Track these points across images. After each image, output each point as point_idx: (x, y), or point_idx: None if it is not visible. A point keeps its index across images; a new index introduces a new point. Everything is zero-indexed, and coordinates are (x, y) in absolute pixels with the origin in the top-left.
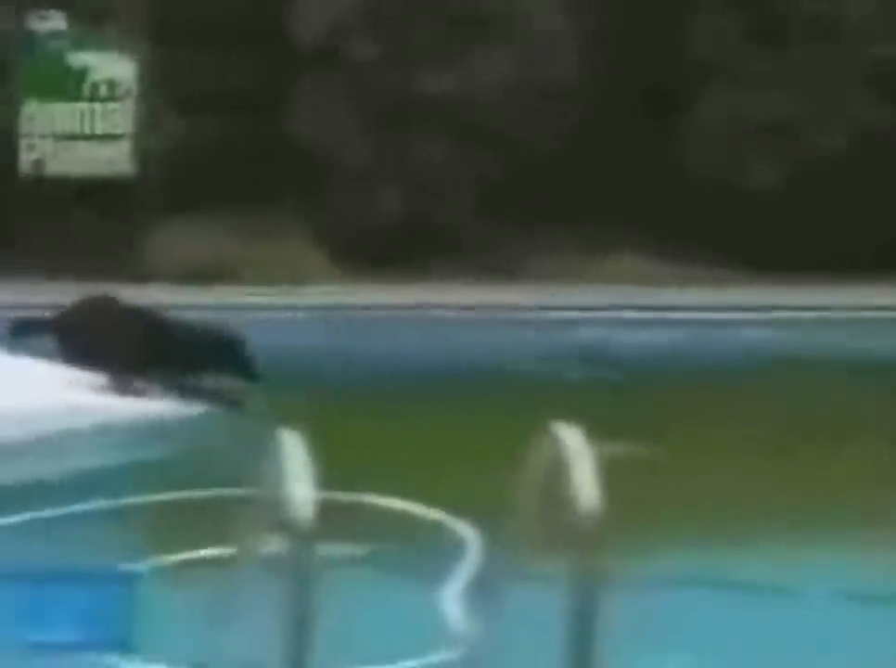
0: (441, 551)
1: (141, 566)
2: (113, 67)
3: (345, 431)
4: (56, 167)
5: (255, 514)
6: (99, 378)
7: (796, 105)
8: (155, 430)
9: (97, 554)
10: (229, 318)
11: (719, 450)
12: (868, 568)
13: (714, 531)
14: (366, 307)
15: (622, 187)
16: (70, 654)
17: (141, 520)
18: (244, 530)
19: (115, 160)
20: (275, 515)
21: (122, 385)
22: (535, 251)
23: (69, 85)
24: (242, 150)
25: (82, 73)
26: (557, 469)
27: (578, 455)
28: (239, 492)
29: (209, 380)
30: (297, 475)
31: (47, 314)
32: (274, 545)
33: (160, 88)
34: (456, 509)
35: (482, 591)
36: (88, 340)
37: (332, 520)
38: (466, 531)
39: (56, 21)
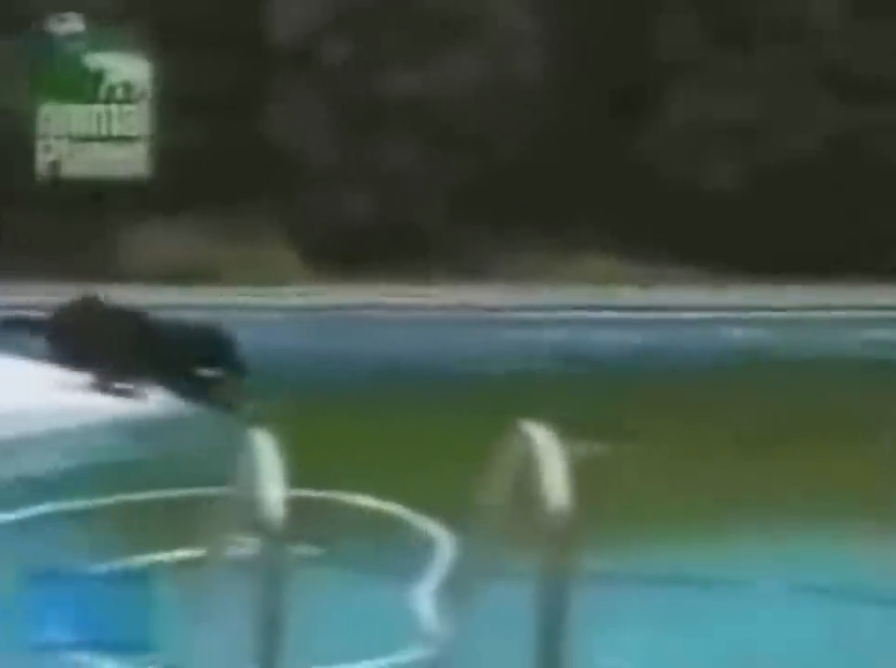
0: (412, 550)
1: (117, 566)
2: (129, 69)
3: (316, 430)
4: (71, 169)
5: (227, 514)
6: (87, 379)
7: (761, 107)
8: (142, 430)
9: (74, 554)
10: (203, 319)
11: (687, 448)
12: (833, 561)
13: (683, 527)
14: (339, 307)
15: (590, 188)
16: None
17: (119, 519)
18: (215, 530)
19: (130, 161)
20: (247, 515)
21: (110, 385)
22: (505, 252)
23: (85, 87)
24: (216, 152)
25: (98, 75)
26: (527, 468)
27: (548, 453)
28: (213, 491)
29: (197, 378)
30: (268, 475)
31: (30, 313)
32: (246, 544)
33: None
34: (428, 508)
35: (454, 590)
36: (76, 341)
37: (304, 519)
38: (437, 530)
39: (73, 23)
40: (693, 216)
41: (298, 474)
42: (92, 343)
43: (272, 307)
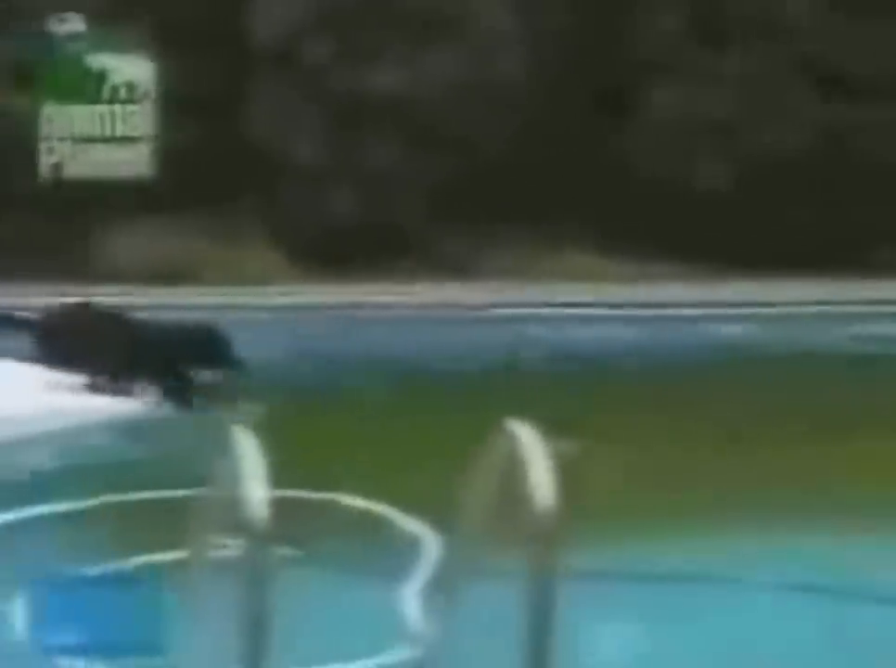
0: (398, 550)
1: (110, 567)
2: (132, 69)
3: (300, 430)
4: (74, 170)
5: (210, 515)
6: (79, 380)
7: (743, 104)
8: (134, 431)
9: (65, 556)
10: (196, 318)
11: (673, 445)
12: (823, 558)
13: (672, 524)
14: (322, 306)
15: (574, 186)
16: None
17: (111, 520)
18: (199, 531)
19: (134, 162)
20: (230, 515)
21: (102, 386)
22: (488, 250)
23: (88, 88)
24: (199, 152)
25: (101, 76)
26: (513, 467)
27: (533, 452)
28: (203, 492)
29: (190, 378)
30: (251, 475)
31: (21, 313)
32: (230, 545)
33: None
34: (413, 507)
35: (440, 589)
36: (68, 342)
37: (289, 519)
38: (422, 529)
39: (74, 24)
40: (676, 213)
41: (282, 474)
42: (84, 345)
43: (255, 307)
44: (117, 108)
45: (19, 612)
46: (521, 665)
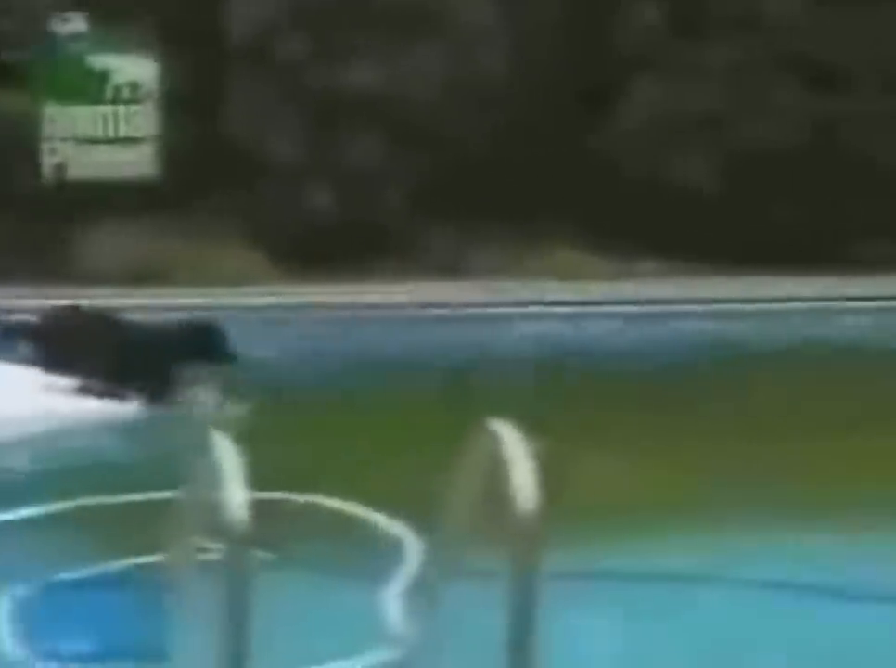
0: (379, 551)
1: (92, 570)
2: (135, 69)
3: (280, 431)
4: (77, 171)
5: (189, 517)
6: (70, 383)
7: (728, 99)
8: (124, 433)
9: (54, 558)
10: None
11: (659, 442)
12: (809, 556)
13: (655, 522)
14: (303, 307)
15: (559, 183)
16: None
17: (101, 522)
18: (178, 533)
19: (137, 163)
20: (209, 518)
21: (93, 389)
22: (472, 248)
23: (90, 88)
24: (174, 150)
25: (103, 76)
26: (496, 466)
27: (516, 451)
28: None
29: (182, 378)
30: (231, 477)
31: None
32: (209, 547)
33: None
34: (395, 508)
35: (422, 591)
36: (58, 346)
37: (269, 521)
38: (404, 531)
39: (77, 24)
40: (662, 209)
41: (261, 476)
42: (75, 347)
43: (234, 307)
44: (120, 108)
45: (1, 616)
46: (504, 666)
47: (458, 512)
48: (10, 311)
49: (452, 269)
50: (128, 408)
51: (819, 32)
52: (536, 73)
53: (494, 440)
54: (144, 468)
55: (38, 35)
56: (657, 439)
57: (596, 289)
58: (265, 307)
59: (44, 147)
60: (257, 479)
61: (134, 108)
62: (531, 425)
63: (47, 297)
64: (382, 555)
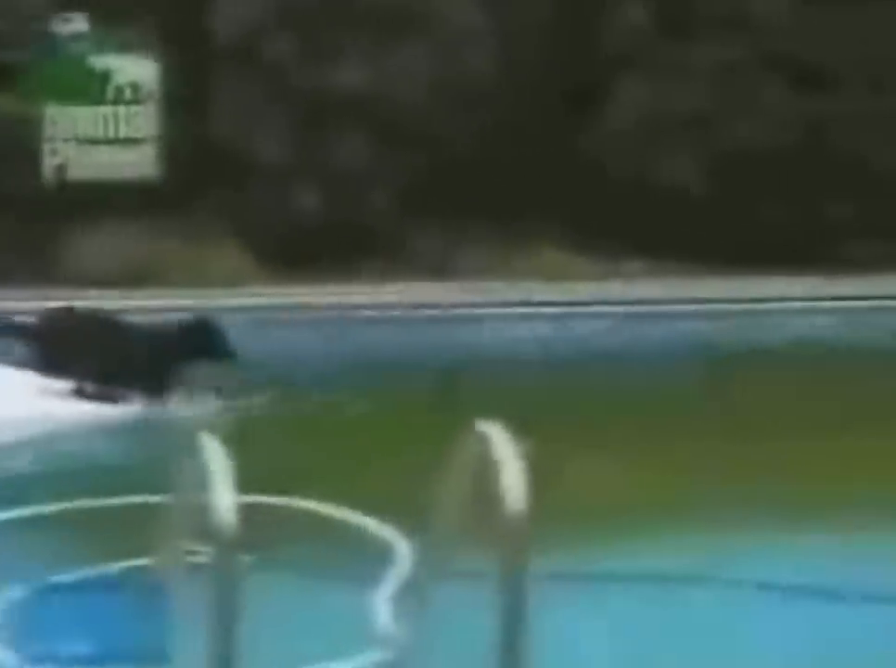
0: (369, 554)
1: (80, 573)
2: (136, 69)
3: (268, 432)
4: (78, 172)
5: (178, 520)
6: (66, 385)
7: (715, 99)
8: (119, 435)
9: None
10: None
11: (647, 443)
12: (799, 557)
13: (645, 523)
14: (290, 307)
15: (546, 183)
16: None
17: (97, 525)
18: (167, 536)
19: (139, 163)
20: (198, 521)
21: (89, 391)
22: (459, 248)
23: (91, 89)
24: (167, 151)
25: (104, 77)
26: (484, 468)
27: (505, 452)
28: (165, 498)
29: (180, 376)
30: (219, 480)
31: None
32: (198, 550)
33: None
34: (383, 510)
35: (411, 592)
36: (54, 348)
37: (259, 524)
38: (393, 533)
39: (78, 24)
40: (649, 209)
41: (250, 478)
42: (70, 349)
43: (221, 308)
44: (121, 109)
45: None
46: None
47: (447, 513)
48: (11, 312)
49: (439, 269)
50: (124, 410)
51: (806, 31)
52: (523, 73)
53: (483, 441)
54: (137, 471)
55: (39, 36)
56: (646, 439)
57: (584, 290)
58: (252, 308)
59: (46, 147)
60: (246, 481)
61: (134, 108)
62: (520, 426)
63: (47, 298)
64: (371, 556)
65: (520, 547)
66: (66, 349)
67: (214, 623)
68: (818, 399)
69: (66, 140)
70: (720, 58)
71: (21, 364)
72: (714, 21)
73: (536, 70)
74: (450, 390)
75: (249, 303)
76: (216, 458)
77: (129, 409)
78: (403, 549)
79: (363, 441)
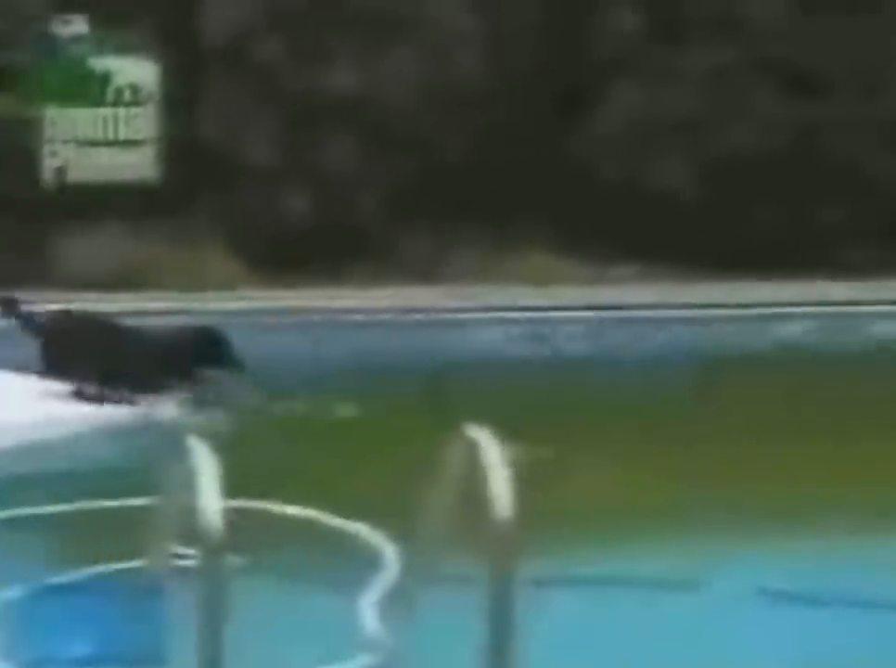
0: (356, 559)
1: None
2: (136, 71)
3: (257, 437)
4: (78, 174)
5: (166, 523)
6: (66, 388)
7: (706, 103)
8: (118, 438)
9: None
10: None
11: (635, 448)
12: (790, 564)
13: (633, 529)
14: (279, 311)
15: (536, 187)
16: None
17: (97, 527)
18: (154, 540)
19: (139, 165)
20: (185, 525)
21: (89, 394)
22: (449, 251)
23: (91, 91)
24: (162, 152)
25: (104, 78)
26: (473, 473)
27: (493, 458)
28: (153, 501)
29: (180, 382)
30: (206, 484)
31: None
32: (185, 554)
33: None
34: (371, 515)
35: (399, 598)
36: (54, 351)
37: (244, 528)
38: (381, 539)
39: (78, 25)
40: (640, 214)
41: (237, 483)
42: (70, 352)
43: (212, 312)
44: (121, 110)
45: None
46: None
47: (435, 518)
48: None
49: (429, 273)
50: (123, 413)
51: (798, 36)
52: (514, 77)
53: (471, 446)
54: (136, 473)
55: (38, 38)
56: (637, 444)
57: (574, 294)
58: (240, 312)
59: (45, 149)
60: (234, 485)
61: (134, 110)
62: (509, 431)
63: (46, 300)
64: (359, 561)
65: (508, 552)
66: (66, 351)
67: (201, 625)
68: (811, 404)
69: (66, 142)
70: (711, 62)
71: (21, 366)
72: (706, 25)
73: (527, 73)
74: (439, 394)
75: (237, 307)
76: (203, 462)
77: (129, 411)
78: (390, 554)
79: (351, 445)
